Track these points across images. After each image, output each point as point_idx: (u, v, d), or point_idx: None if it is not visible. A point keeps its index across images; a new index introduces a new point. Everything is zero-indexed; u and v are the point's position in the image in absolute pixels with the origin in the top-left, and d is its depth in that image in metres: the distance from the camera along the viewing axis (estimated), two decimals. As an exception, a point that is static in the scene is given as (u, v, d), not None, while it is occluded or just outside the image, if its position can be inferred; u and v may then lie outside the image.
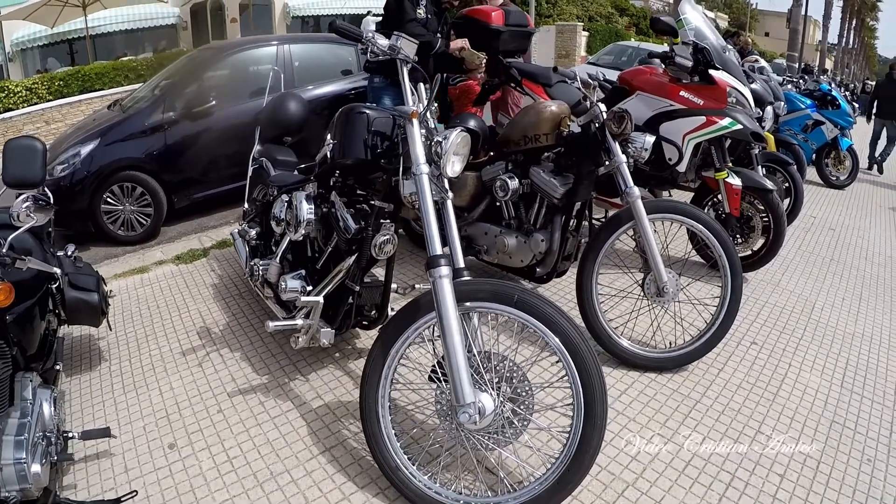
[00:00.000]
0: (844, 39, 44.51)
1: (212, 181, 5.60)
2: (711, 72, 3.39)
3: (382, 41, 2.10)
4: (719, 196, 3.70)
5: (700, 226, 2.70)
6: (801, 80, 8.19)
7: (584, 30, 19.00)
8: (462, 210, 3.34)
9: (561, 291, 3.56)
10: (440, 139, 2.02)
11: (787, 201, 4.84)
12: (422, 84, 2.28)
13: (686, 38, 3.50)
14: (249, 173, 3.55)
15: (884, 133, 9.50)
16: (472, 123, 3.11)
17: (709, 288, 3.07)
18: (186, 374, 2.85)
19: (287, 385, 2.74)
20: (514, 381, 1.95)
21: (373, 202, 2.31)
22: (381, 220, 2.32)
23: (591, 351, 1.86)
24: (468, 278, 2.03)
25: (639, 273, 2.87)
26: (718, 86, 3.38)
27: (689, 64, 3.38)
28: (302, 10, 19.27)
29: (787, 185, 4.93)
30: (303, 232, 2.52)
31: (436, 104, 2.46)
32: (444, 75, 5.30)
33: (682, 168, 3.53)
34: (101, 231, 5.16)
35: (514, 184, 2.94)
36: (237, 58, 6.05)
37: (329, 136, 2.52)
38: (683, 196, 5.10)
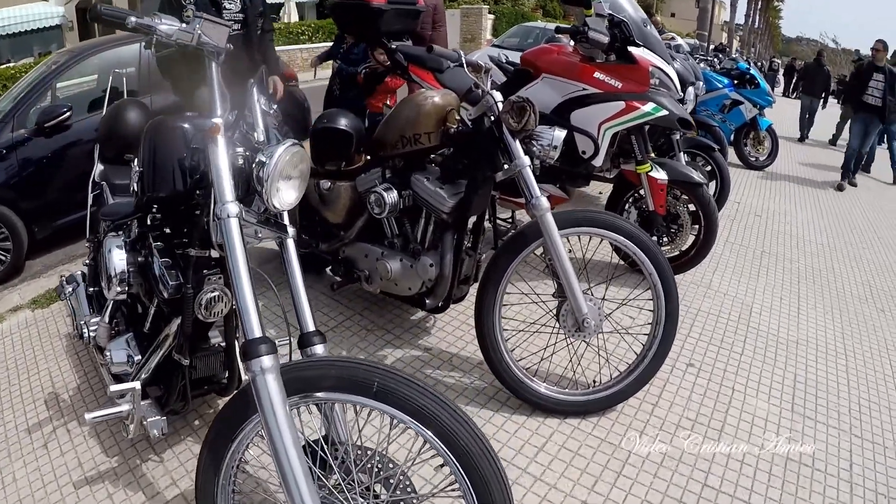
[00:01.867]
0: (751, 19, 46.10)
1: (76, 204, 4.75)
2: (631, 49, 2.88)
3: (168, 27, 1.47)
4: (641, 191, 3.23)
5: (625, 240, 2.17)
6: (715, 59, 7.96)
7: (489, 13, 18.61)
8: (338, 227, 2.74)
9: (462, 316, 2.99)
10: (263, 158, 1.44)
11: (711, 187, 4.48)
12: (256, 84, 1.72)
13: (601, 10, 2.97)
14: (89, 202, 2.87)
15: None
16: (342, 122, 2.54)
17: (640, 314, 2.62)
18: (31, 458, 2.28)
19: (138, 468, 2.15)
20: (392, 485, 1.42)
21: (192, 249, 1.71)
22: (205, 273, 1.72)
23: (484, 448, 1.30)
24: (318, 356, 1.50)
25: (553, 299, 2.32)
26: (639, 65, 2.87)
27: (605, 40, 2.86)
28: (202, 2, 18.02)
29: (709, 168, 4.57)
30: (118, 290, 1.91)
31: (275, 107, 1.86)
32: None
33: (598, 162, 3.03)
34: None
35: (391, 196, 2.35)
36: (96, 60, 5.19)
37: (136, 161, 1.91)
38: (601, 187, 4.68)
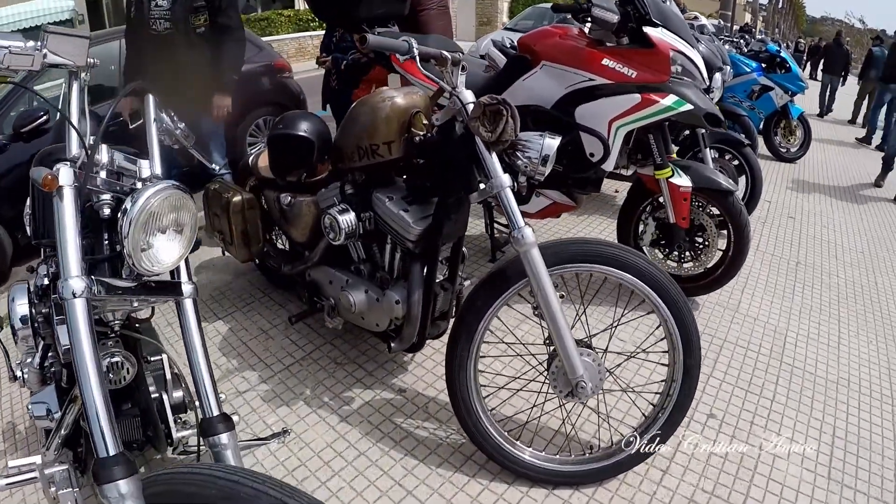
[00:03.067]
0: (775, -1, 44.58)
1: None
2: (647, 30, 2.37)
3: None
4: (661, 198, 2.74)
5: (634, 279, 1.70)
6: (741, 41, 7.33)
7: (506, -6, 17.79)
8: (303, 247, 2.32)
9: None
10: (128, 204, 1.13)
11: (741, 185, 3.99)
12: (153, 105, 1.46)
13: None
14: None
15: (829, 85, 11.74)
16: (300, 127, 2.12)
17: (653, 365, 2.16)
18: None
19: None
20: None
21: None
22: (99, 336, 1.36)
23: None
24: (196, 467, 1.11)
25: (543, 346, 1.85)
26: (658, 49, 2.37)
27: (614, 19, 2.36)
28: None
29: (735, 161, 4.07)
30: (24, 347, 1.66)
31: (182, 126, 1.46)
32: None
33: (608, 166, 2.54)
34: None
35: (346, 220, 1.91)
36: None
37: (28, 202, 1.69)
38: (617, 184, 4.20)
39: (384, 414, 2.15)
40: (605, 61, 2.38)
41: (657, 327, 1.84)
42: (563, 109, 2.46)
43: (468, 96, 1.62)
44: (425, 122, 1.80)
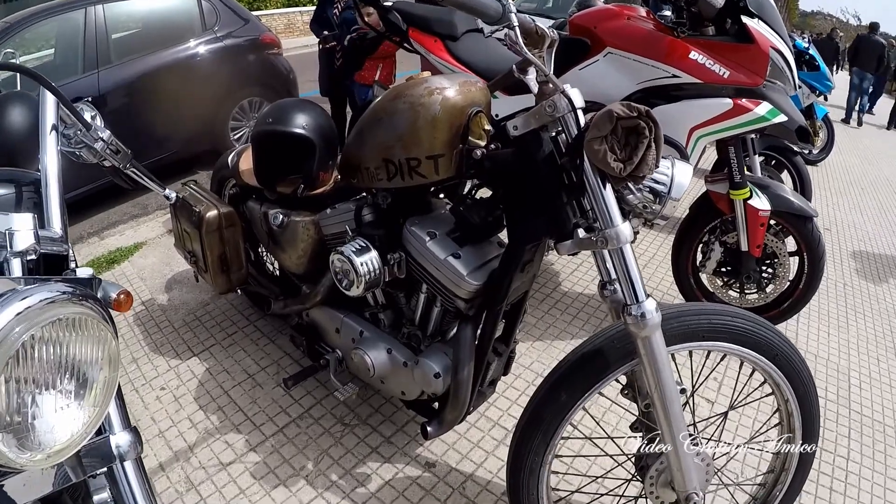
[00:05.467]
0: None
1: None
2: (746, 20, 1.91)
3: None
4: (729, 217, 2.31)
5: (760, 356, 1.24)
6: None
7: (502, -29, 16.99)
8: (298, 279, 1.82)
9: (482, 406, 2.07)
10: None
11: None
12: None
13: None
14: None
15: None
16: (296, 122, 1.59)
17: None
18: None
19: None
20: None
21: None
22: None
23: None
24: None
25: (633, 437, 1.40)
26: (758, 46, 1.91)
27: (721, 2, 1.88)
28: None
29: (772, 162, 3.71)
30: None
31: (102, 136, 0.97)
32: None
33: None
34: None
35: (368, 262, 1.38)
36: (46, 29, 4.09)
37: None
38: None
39: (411, 500, 1.68)
40: (694, 55, 1.91)
41: (774, 412, 1.41)
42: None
43: (577, 97, 1.10)
44: (487, 127, 1.27)
